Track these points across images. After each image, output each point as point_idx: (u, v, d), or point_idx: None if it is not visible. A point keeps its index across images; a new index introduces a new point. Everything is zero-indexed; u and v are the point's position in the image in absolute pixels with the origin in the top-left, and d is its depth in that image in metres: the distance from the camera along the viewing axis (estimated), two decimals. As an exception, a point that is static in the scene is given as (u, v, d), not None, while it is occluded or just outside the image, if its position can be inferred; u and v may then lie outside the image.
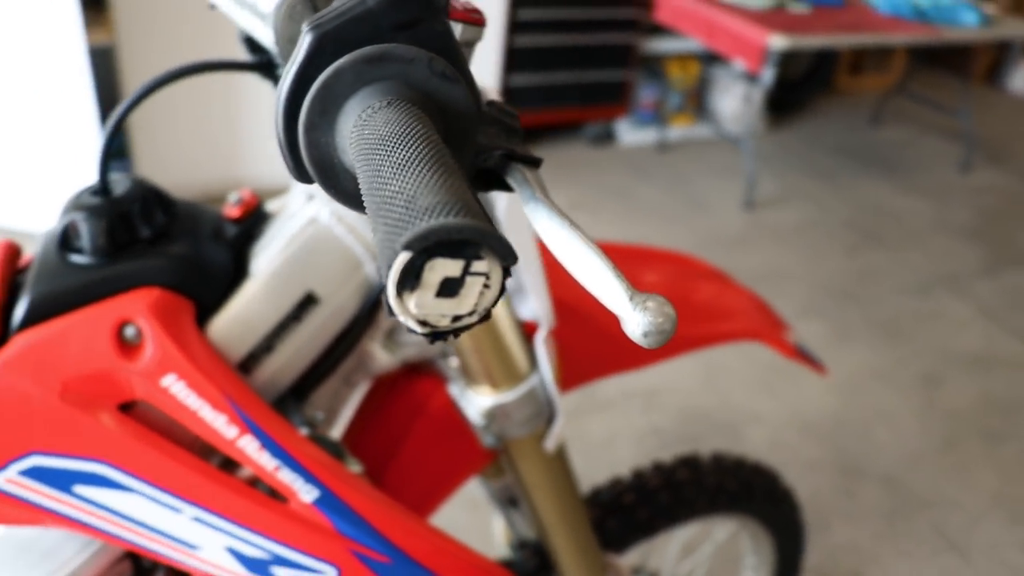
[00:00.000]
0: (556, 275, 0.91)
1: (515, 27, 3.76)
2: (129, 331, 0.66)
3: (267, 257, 0.74)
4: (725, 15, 3.58)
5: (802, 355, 1.07)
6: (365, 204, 0.29)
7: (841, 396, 2.55)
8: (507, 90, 3.90)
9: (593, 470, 2.11)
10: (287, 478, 0.68)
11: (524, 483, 0.87)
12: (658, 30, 4.16)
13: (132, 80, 3.00)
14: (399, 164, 0.28)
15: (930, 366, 2.74)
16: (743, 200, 3.84)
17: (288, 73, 0.35)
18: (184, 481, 0.67)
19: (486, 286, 0.27)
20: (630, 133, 4.40)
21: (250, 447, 0.67)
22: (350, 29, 0.34)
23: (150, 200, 0.72)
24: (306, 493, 0.68)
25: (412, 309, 0.26)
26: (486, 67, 3.73)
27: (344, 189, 0.36)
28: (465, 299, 0.27)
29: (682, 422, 2.38)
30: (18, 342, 0.66)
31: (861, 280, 3.25)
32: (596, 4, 3.88)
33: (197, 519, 0.68)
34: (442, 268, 0.25)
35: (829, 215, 3.80)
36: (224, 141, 3.31)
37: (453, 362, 0.83)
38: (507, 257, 0.26)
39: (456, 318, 0.27)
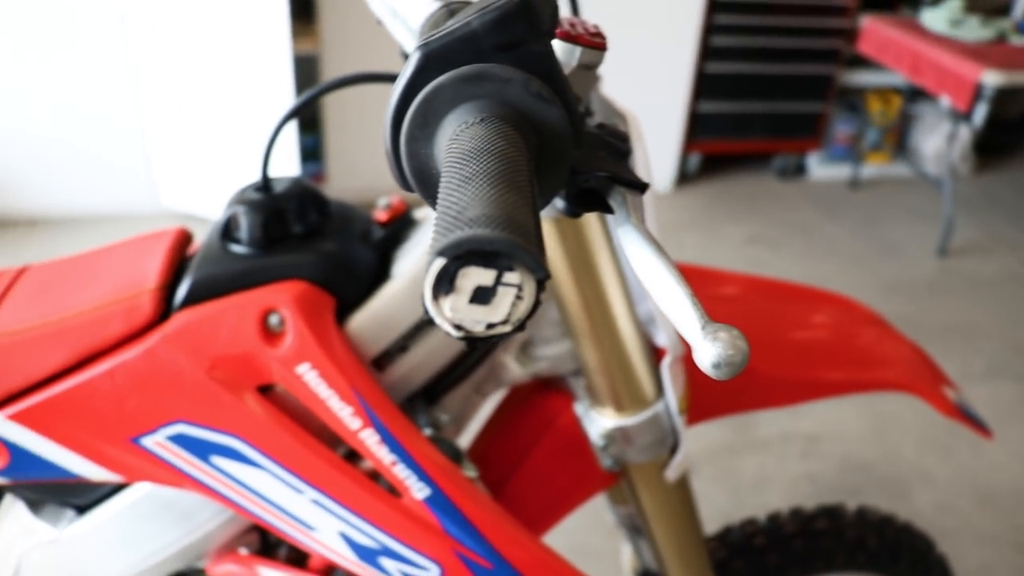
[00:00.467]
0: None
1: (707, 53, 3.71)
2: (273, 319, 0.71)
3: (409, 261, 0.77)
4: (935, 48, 3.37)
5: (963, 414, 0.99)
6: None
7: (1027, 466, 2.33)
8: (694, 116, 3.85)
9: (738, 510, 2.03)
10: (402, 473, 0.70)
11: (643, 511, 0.86)
12: (859, 62, 3.98)
13: (332, 88, 3.20)
14: (465, 177, 0.29)
15: None
16: (938, 246, 3.59)
17: (396, 87, 0.37)
18: (308, 464, 0.71)
19: (519, 297, 0.27)
20: (821, 168, 4.22)
21: (371, 440, 0.70)
22: (454, 48, 0.36)
23: (306, 199, 0.77)
24: (418, 490, 0.70)
25: (447, 312, 0.27)
26: (674, 92, 3.70)
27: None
28: (498, 308, 0.27)
29: (842, 472, 2.25)
30: (178, 320, 0.72)
31: (1064, 342, 2.96)
32: (796, 35, 3.76)
33: (316, 502, 0.71)
34: (475, 276, 0.26)
35: (1034, 268, 3.49)
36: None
37: (583, 381, 0.83)
38: (537, 271, 0.26)
39: (490, 325, 0.28)
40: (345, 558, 0.74)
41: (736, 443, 2.31)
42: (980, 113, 3.15)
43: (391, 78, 0.76)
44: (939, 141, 4.10)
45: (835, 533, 1.07)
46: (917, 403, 2.48)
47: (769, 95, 3.91)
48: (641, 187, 0.42)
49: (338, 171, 3.39)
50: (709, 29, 3.65)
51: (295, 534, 0.74)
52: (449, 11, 0.50)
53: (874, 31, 3.72)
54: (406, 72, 0.37)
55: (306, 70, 3.12)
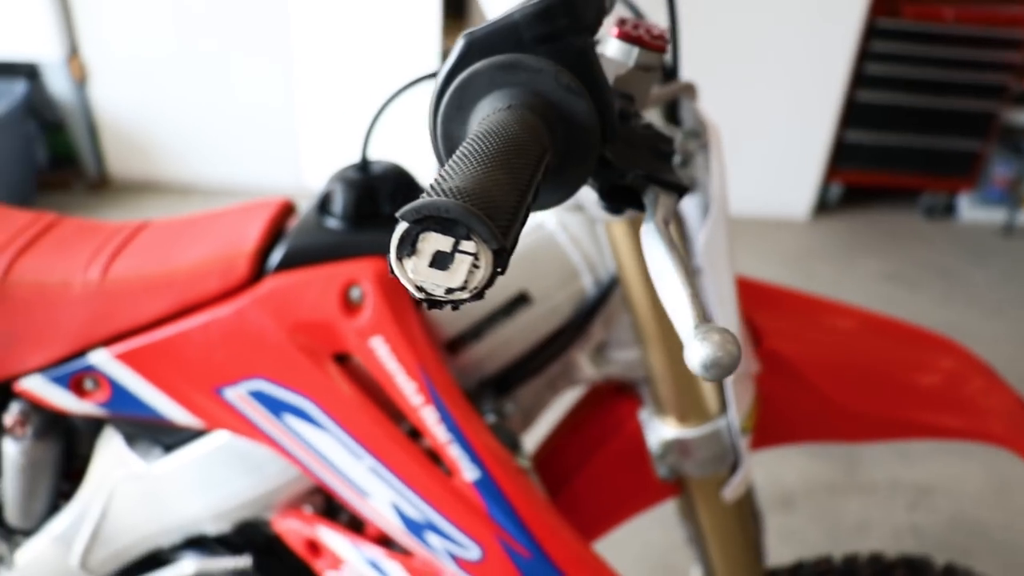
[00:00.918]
0: (784, 330, 0.87)
1: (860, 81, 3.58)
2: (355, 292, 0.75)
3: (489, 251, 0.79)
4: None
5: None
6: None
7: None
8: (839, 145, 3.72)
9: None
10: (455, 453, 0.72)
11: (700, 528, 0.85)
12: (1025, 100, 3.73)
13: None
14: (466, 154, 0.31)
15: None
16: (1094, 305, 3.33)
17: (441, 71, 0.39)
18: (370, 434, 0.74)
19: (475, 265, 0.29)
20: (973, 210, 3.98)
21: (430, 417, 0.73)
22: (495, 38, 0.38)
23: (400, 183, 0.81)
24: (468, 472, 0.72)
25: (409, 273, 0.29)
26: (821, 118, 3.58)
27: None
28: (455, 274, 0.29)
29: (951, 530, 2.12)
30: (268, 284, 0.76)
31: None
32: (959, 67, 3.56)
33: (373, 470, 0.75)
34: (434, 242, 0.28)
35: None
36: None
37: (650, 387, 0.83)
38: (491, 241, 0.28)
39: (449, 291, 0.29)
40: (394, 528, 0.76)
41: (840, 483, 2.22)
42: None
43: None
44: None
45: (914, 586, 1.02)
46: (1048, 469, 2.32)
47: (922, 129, 3.72)
48: (678, 189, 0.42)
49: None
50: (864, 56, 3.51)
51: (351, 498, 0.77)
52: None
53: (1049, 69, 3.49)
54: (451, 58, 0.39)
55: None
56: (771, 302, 0.92)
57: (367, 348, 0.74)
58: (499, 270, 0.29)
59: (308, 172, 3.42)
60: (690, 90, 0.70)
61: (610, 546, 0.91)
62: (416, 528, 0.75)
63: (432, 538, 0.75)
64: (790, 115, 3.54)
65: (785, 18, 3.27)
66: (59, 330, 0.81)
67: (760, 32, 3.22)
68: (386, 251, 0.75)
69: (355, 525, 0.86)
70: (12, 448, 0.87)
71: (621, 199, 0.43)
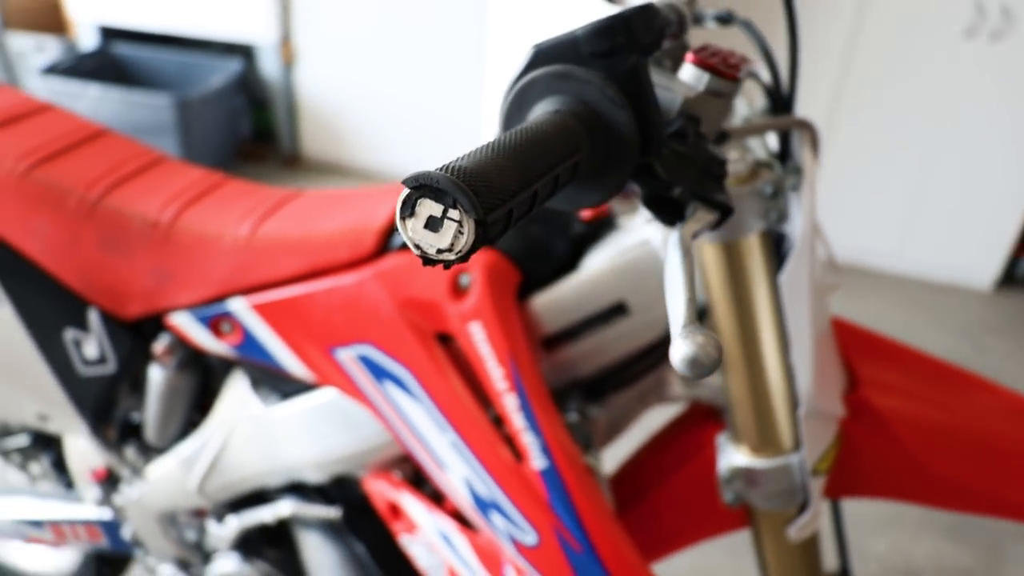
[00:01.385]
0: (888, 384, 0.86)
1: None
2: (464, 279, 0.80)
3: (597, 259, 0.83)
4: None
5: None
6: None
7: None
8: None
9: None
10: (527, 440, 0.76)
11: (764, 562, 0.84)
12: None
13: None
14: (492, 143, 0.36)
15: None
16: None
17: (512, 76, 0.44)
18: (457, 411, 0.80)
19: (460, 231, 0.33)
20: None
21: (511, 404, 0.77)
22: (558, 50, 0.42)
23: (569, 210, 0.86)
24: (537, 460, 0.76)
25: (408, 232, 0.33)
26: (1017, 188, 3.35)
27: None
28: (444, 236, 0.33)
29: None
30: (390, 260, 0.83)
31: None
32: None
33: (453, 444, 0.80)
34: (428, 207, 0.32)
35: None
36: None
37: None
38: (470, 212, 0.32)
39: (439, 251, 0.33)
40: (464, 502, 0.81)
41: (978, 571, 2.08)
42: None
43: None
44: None
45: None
46: None
47: None
48: (721, 208, 0.45)
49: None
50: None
51: (431, 467, 0.83)
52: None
53: None
54: (521, 65, 0.44)
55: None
56: (887, 357, 0.90)
57: (466, 331, 0.79)
58: (485, 239, 0.33)
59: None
60: (805, 128, 0.71)
61: (672, 567, 0.92)
62: (483, 506, 0.80)
63: (496, 518, 0.79)
64: (985, 182, 3.34)
65: (986, 85, 3.10)
66: (207, 275, 0.91)
67: (962, 94, 3.07)
68: (499, 246, 0.81)
69: (436, 499, 0.91)
70: (157, 374, 0.99)
71: (666, 209, 0.46)
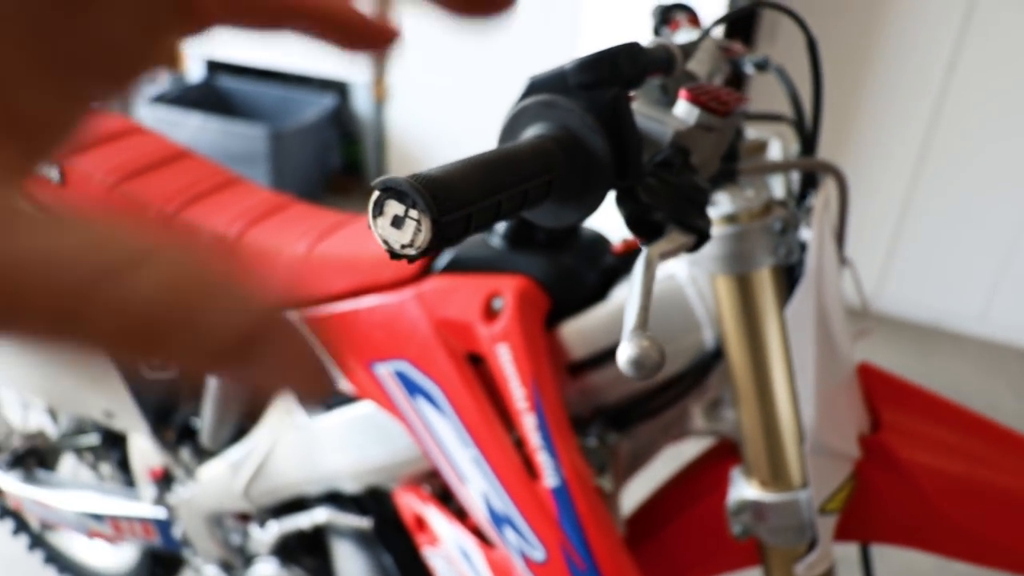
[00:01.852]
0: (916, 433, 0.86)
1: None
2: (497, 303, 0.85)
3: (624, 290, 0.87)
4: None
5: None
6: None
7: None
8: None
9: None
10: (542, 459, 0.80)
11: (774, 601, 0.85)
12: None
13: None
14: (468, 158, 0.40)
15: None
16: None
17: (511, 106, 0.49)
18: (480, 428, 0.84)
19: (419, 229, 0.37)
20: None
21: (529, 423, 0.81)
22: (549, 82, 0.47)
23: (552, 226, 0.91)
24: (550, 478, 0.79)
25: (377, 229, 0.38)
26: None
27: None
28: (405, 233, 0.37)
29: None
30: (430, 282, 0.89)
31: None
32: None
33: (474, 459, 0.84)
34: (393, 207, 0.37)
35: None
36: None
37: None
38: (426, 212, 0.36)
39: (403, 246, 0.38)
40: (481, 516, 0.85)
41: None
42: None
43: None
44: None
45: None
46: None
47: None
48: (697, 232, 0.49)
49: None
50: None
51: (453, 480, 0.87)
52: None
53: None
54: (518, 94, 0.49)
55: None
56: (917, 405, 0.90)
57: (495, 352, 0.84)
58: (443, 238, 0.38)
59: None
60: (830, 170, 0.74)
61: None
62: (498, 520, 0.83)
63: (509, 533, 0.82)
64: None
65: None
66: (265, 288, 0.98)
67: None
68: (533, 272, 0.86)
69: (460, 515, 0.95)
70: (214, 381, 1.06)
71: (645, 231, 0.50)
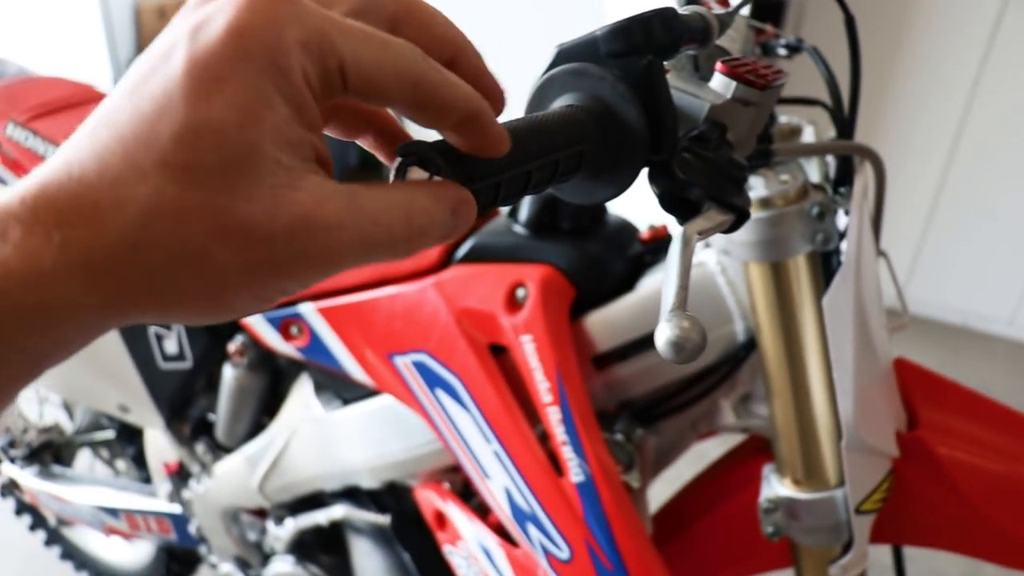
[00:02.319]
0: (954, 431, 0.82)
1: None
2: (520, 292, 0.82)
3: (651, 280, 0.84)
4: None
5: None
6: None
7: None
8: None
9: None
10: (567, 454, 0.77)
11: (808, 602, 0.81)
12: None
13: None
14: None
15: None
16: None
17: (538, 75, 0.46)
18: (502, 422, 0.81)
19: None
20: None
21: (554, 416, 0.78)
22: (578, 50, 0.44)
23: (584, 204, 0.88)
24: (575, 474, 0.76)
25: None
26: None
27: None
28: None
29: None
30: (451, 271, 0.86)
31: None
32: None
33: (496, 454, 0.81)
34: (417, 172, 0.35)
35: None
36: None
37: None
38: (452, 178, 0.34)
39: None
40: (503, 512, 0.82)
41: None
42: None
43: None
44: None
45: None
46: None
47: None
48: (736, 211, 0.46)
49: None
50: None
51: (474, 475, 0.84)
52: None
53: None
54: (546, 64, 0.46)
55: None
56: (956, 403, 0.86)
57: (518, 343, 0.81)
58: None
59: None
60: (867, 154, 0.70)
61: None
62: (521, 517, 0.80)
63: (532, 530, 0.79)
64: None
65: None
66: (282, 278, 0.96)
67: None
68: (557, 261, 0.83)
69: (481, 512, 0.92)
70: (230, 373, 1.04)
71: (681, 210, 0.47)
